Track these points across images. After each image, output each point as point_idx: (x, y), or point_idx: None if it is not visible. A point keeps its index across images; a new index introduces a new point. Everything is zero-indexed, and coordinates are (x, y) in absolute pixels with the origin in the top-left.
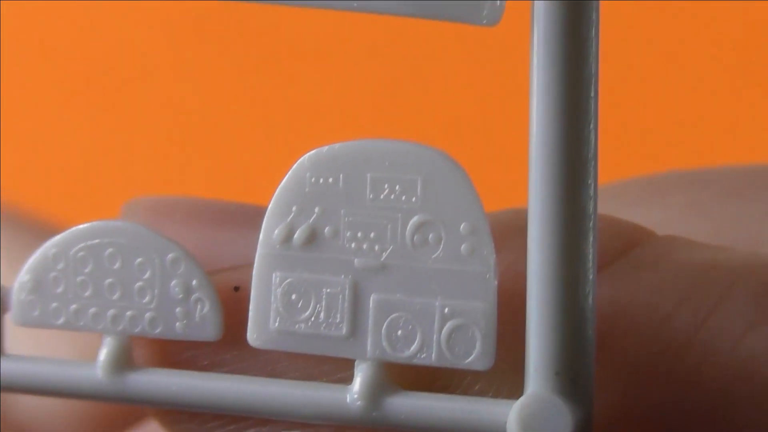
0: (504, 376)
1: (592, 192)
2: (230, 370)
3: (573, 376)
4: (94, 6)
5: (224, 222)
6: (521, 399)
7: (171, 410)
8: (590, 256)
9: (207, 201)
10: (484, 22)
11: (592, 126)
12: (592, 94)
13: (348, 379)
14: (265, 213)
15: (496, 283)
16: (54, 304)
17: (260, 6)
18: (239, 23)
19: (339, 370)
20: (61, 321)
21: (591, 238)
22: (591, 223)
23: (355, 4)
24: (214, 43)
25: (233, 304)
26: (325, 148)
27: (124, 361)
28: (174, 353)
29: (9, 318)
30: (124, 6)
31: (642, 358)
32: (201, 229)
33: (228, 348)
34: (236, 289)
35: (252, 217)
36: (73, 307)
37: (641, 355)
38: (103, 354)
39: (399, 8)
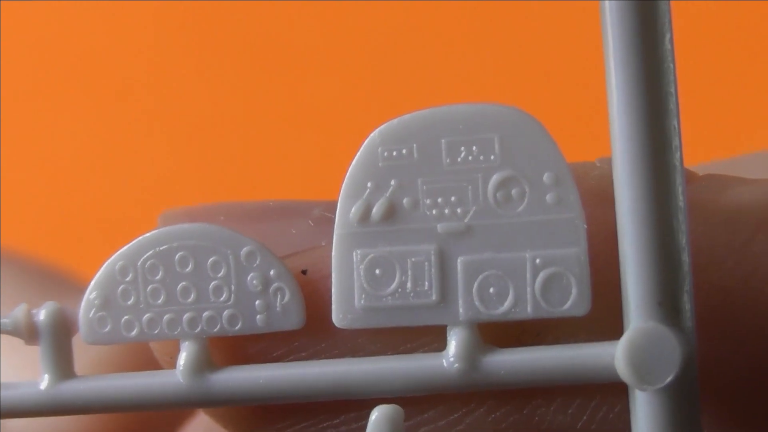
0: (593, 323)
1: (676, 123)
2: (308, 358)
3: (675, 305)
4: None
5: (269, 217)
6: (627, 334)
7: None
8: (679, 184)
9: (244, 202)
10: None
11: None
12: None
13: (437, 349)
14: (296, 205)
15: (585, 227)
16: (126, 317)
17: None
18: (240, 24)
19: (425, 343)
20: (134, 333)
21: (678, 165)
22: (678, 154)
23: None
24: (215, 46)
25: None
26: (395, 120)
27: (204, 363)
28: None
29: (78, 339)
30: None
31: (727, 288)
32: (250, 225)
33: (303, 335)
34: (304, 272)
35: (291, 208)
36: (147, 316)
37: (726, 285)
38: (183, 359)
39: None
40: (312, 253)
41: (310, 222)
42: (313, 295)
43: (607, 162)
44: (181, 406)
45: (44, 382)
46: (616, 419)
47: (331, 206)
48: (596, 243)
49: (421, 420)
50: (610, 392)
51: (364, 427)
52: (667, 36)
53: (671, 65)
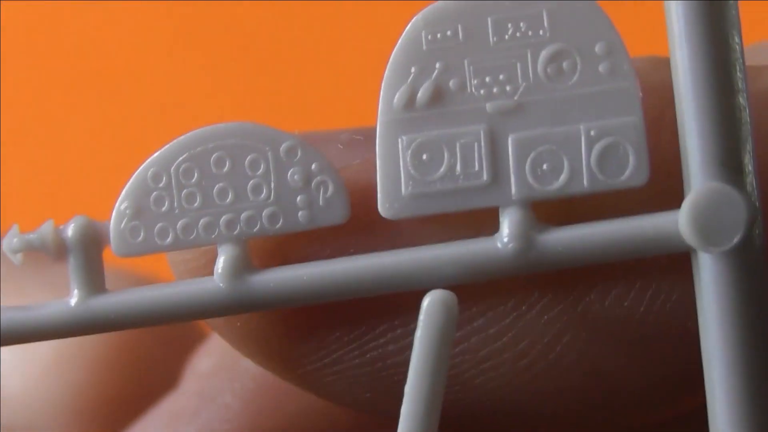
0: (651, 196)
1: None
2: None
3: (738, 165)
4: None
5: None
6: (690, 195)
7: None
8: (737, 42)
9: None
10: None
11: None
12: None
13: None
14: (323, 134)
15: (640, 95)
16: (160, 224)
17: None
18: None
19: (477, 230)
20: (169, 240)
21: (736, 21)
22: (734, 11)
23: None
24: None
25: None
26: (439, 2)
27: (244, 266)
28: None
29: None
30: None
31: None
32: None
33: (349, 231)
34: None
35: (318, 136)
36: (182, 222)
37: None
38: (221, 263)
39: None
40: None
41: (340, 146)
42: (358, 188)
43: (642, 60)
44: (223, 313)
45: (75, 299)
46: (677, 307)
47: (360, 131)
48: (651, 111)
49: (471, 329)
50: (669, 276)
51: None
52: None
53: None
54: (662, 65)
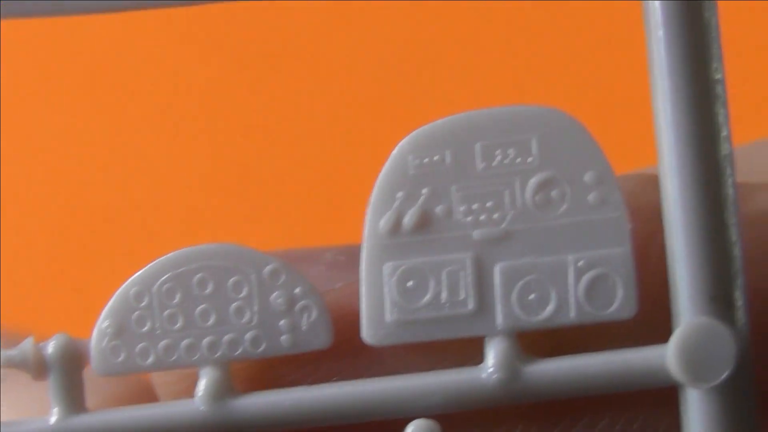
0: (638, 329)
1: (725, 111)
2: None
3: (728, 300)
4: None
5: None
6: (679, 330)
7: None
8: (729, 175)
9: None
10: None
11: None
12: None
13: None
14: (305, 252)
15: (630, 226)
16: (141, 345)
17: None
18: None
19: (461, 359)
20: (150, 361)
21: (728, 155)
22: (727, 144)
23: None
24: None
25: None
26: (426, 126)
27: (226, 389)
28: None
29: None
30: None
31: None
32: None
33: (332, 356)
34: None
35: (301, 256)
36: (164, 343)
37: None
38: (203, 385)
39: None
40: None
41: (322, 267)
42: (342, 313)
43: (632, 179)
44: None
45: (54, 417)
46: None
47: (343, 250)
48: (639, 236)
49: None
50: (656, 408)
51: None
52: (714, 20)
53: (718, 50)
54: (651, 186)
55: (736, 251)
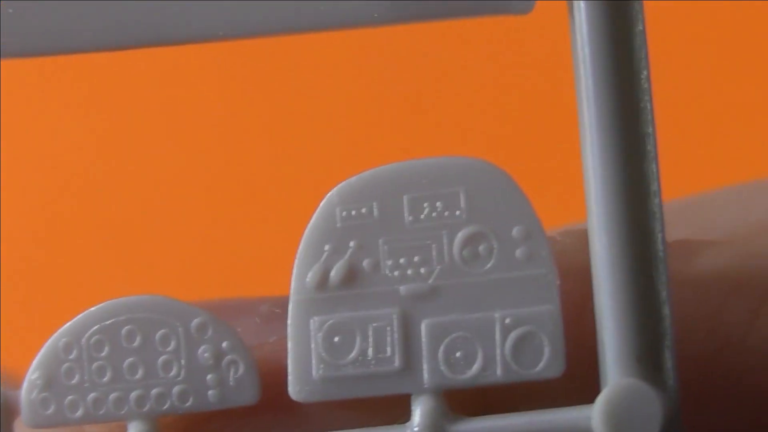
0: (567, 389)
1: (655, 167)
2: None
3: (655, 361)
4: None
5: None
6: (605, 392)
7: None
8: (659, 232)
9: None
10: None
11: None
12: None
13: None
14: (241, 303)
15: (558, 283)
16: (70, 397)
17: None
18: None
19: (390, 416)
20: (79, 414)
21: (658, 212)
22: (657, 200)
23: (375, 15)
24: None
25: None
26: (354, 178)
27: None
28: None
29: (18, 423)
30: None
31: (700, 359)
32: None
33: (259, 412)
34: None
35: (236, 306)
36: (92, 396)
37: (698, 355)
38: None
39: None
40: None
41: (257, 320)
42: (272, 368)
43: (569, 235)
44: None
45: None
46: None
47: (279, 302)
48: (572, 296)
49: None
50: None
51: None
52: (644, 73)
53: (648, 105)
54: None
55: (665, 311)
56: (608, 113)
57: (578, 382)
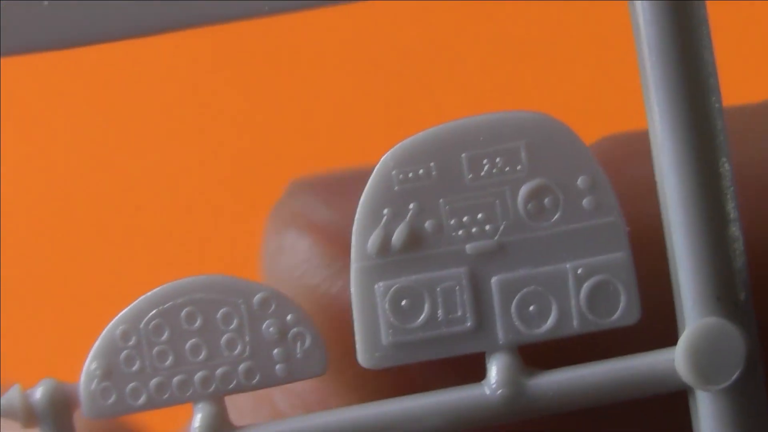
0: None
1: (718, 100)
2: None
3: (734, 299)
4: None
5: None
6: (686, 332)
7: None
8: (728, 170)
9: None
10: None
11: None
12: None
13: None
14: None
15: (628, 230)
16: (131, 385)
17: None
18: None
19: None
20: (142, 400)
21: (725, 148)
22: (723, 136)
23: None
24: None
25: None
26: (408, 140)
27: (220, 424)
28: None
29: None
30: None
31: None
32: None
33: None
34: None
35: None
36: (155, 381)
37: None
38: (197, 421)
39: None
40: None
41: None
42: (335, 337)
43: None
44: None
45: None
46: None
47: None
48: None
49: None
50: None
51: None
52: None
53: (710, 48)
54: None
55: (740, 247)
56: (670, 60)
57: (654, 330)
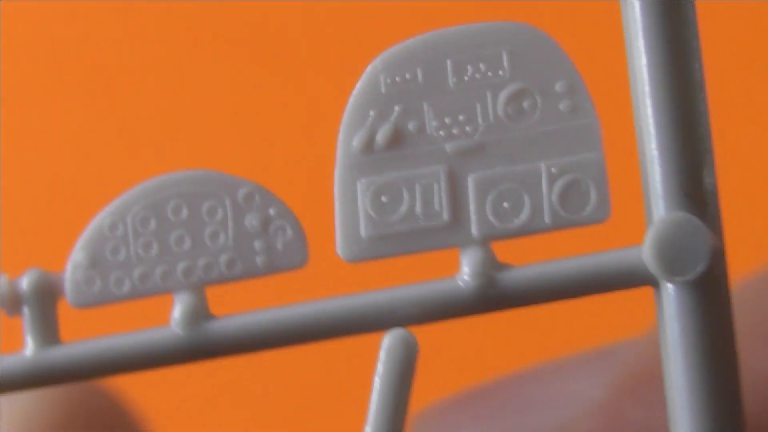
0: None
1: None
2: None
3: (702, 197)
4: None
5: None
6: (655, 224)
7: None
8: (698, 62)
9: None
10: None
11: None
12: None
13: None
14: None
15: (601, 132)
16: (115, 274)
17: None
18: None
19: None
20: (125, 289)
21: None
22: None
23: None
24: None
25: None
26: (397, 46)
27: (201, 313)
28: None
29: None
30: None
31: None
32: None
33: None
34: None
35: None
36: (138, 270)
37: None
38: (178, 312)
39: None
40: None
41: None
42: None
43: None
44: (182, 360)
45: (30, 350)
46: None
47: None
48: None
49: None
50: None
51: None
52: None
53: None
54: None
55: (708, 145)
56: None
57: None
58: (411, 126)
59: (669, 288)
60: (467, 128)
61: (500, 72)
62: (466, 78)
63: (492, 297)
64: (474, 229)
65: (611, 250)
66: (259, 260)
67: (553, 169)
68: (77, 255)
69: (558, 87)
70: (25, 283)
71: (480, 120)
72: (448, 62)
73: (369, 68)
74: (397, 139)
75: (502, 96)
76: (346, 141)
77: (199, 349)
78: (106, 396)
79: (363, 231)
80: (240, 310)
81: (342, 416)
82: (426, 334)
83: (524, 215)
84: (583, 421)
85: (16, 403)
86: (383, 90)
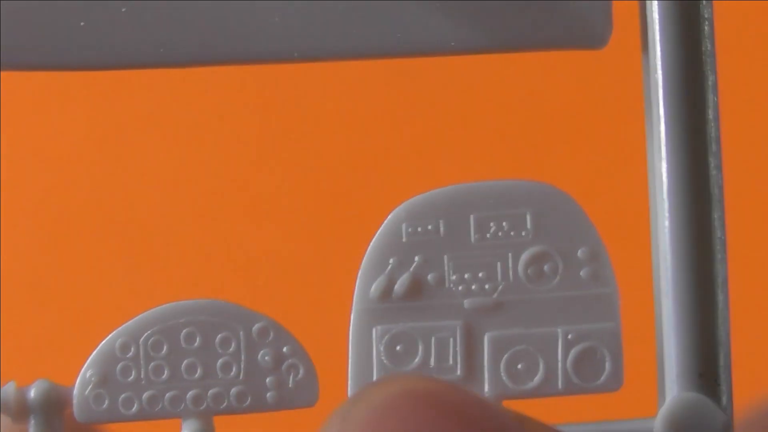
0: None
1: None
2: None
3: (716, 377)
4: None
5: None
6: (668, 403)
7: None
8: (721, 249)
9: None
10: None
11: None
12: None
13: None
14: None
15: (620, 302)
16: (125, 394)
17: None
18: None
19: None
20: (133, 410)
21: (721, 234)
22: (718, 213)
23: (452, 44)
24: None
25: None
26: (421, 196)
27: None
28: None
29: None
30: None
31: None
32: None
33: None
34: None
35: None
36: (148, 393)
37: None
38: None
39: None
40: None
41: None
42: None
43: None
44: None
45: None
46: None
47: None
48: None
49: None
50: None
51: None
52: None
53: (715, 131)
54: None
55: (727, 331)
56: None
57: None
58: (430, 278)
59: None
60: (486, 286)
61: (523, 233)
62: (488, 235)
63: None
64: (487, 387)
65: (625, 420)
66: (270, 396)
67: (569, 336)
68: (87, 372)
69: (580, 253)
70: (33, 392)
71: (500, 278)
72: (471, 218)
73: (392, 215)
74: (416, 289)
75: (524, 257)
76: (365, 286)
77: None
78: None
79: (376, 377)
80: None
81: None
82: None
83: (538, 378)
84: None
85: None
86: (404, 239)
